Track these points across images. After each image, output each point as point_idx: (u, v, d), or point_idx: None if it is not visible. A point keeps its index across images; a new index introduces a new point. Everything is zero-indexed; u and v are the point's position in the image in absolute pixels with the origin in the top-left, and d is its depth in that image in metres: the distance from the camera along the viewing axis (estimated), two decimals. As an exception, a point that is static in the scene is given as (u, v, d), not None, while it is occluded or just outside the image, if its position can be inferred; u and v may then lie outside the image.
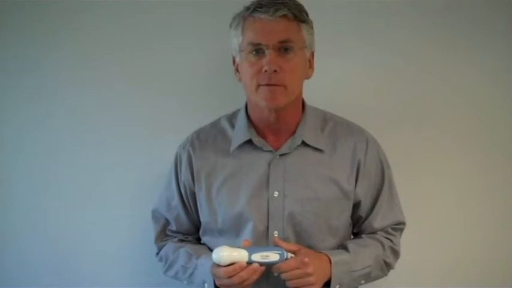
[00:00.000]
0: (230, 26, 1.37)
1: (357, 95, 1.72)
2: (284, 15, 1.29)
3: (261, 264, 1.25)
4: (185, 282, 1.42)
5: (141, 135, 1.73)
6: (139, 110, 1.73)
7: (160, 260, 1.50)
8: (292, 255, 1.27)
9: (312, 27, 1.36)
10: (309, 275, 1.24)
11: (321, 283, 1.28)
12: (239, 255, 1.25)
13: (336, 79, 1.70)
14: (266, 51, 1.28)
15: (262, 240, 1.35)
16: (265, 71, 1.28)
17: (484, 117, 1.72)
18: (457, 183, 1.74)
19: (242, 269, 1.22)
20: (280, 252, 1.26)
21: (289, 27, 1.30)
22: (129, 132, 1.73)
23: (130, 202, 1.74)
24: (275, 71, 1.28)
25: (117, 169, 1.74)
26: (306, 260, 1.24)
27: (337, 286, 1.31)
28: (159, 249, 1.51)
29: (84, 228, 1.75)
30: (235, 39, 1.35)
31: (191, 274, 1.39)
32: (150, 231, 1.55)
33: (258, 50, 1.30)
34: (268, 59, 1.28)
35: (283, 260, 1.26)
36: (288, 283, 1.27)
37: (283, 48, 1.29)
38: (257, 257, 1.25)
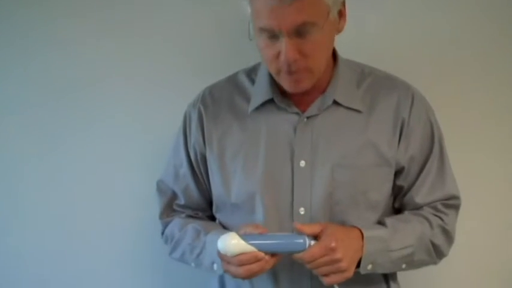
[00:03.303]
0: None
1: (397, 50, 1.58)
2: None
3: (276, 253, 1.15)
4: (193, 264, 1.31)
5: (145, 99, 1.63)
6: (144, 72, 1.62)
7: (166, 240, 1.39)
8: (315, 241, 1.14)
9: None
10: (338, 261, 1.12)
11: (354, 266, 1.15)
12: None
13: (374, 30, 1.57)
14: (280, 37, 1.11)
15: (285, 219, 1.22)
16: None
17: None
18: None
19: (257, 260, 1.12)
20: (301, 240, 1.13)
21: (304, 5, 1.09)
22: (133, 95, 1.63)
23: (133, 174, 1.64)
24: (295, 60, 1.12)
25: (119, 136, 1.64)
26: (333, 244, 1.12)
27: (370, 266, 1.18)
28: (165, 227, 1.39)
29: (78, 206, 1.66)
30: (247, 7, 1.18)
31: (199, 254, 1.28)
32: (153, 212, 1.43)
33: (271, 35, 1.13)
34: (285, 48, 1.11)
35: (304, 248, 1.13)
36: (315, 271, 1.15)
37: (301, 31, 1.11)
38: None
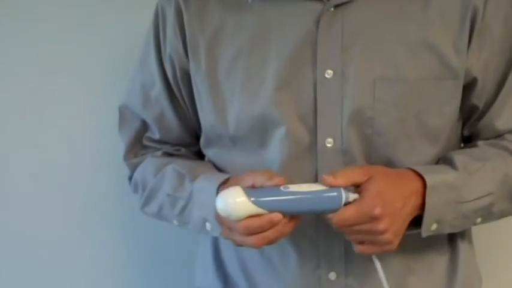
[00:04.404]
0: None
1: None
2: None
3: (300, 213, 0.91)
4: (175, 222, 1.07)
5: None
6: None
7: (135, 188, 1.14)
8: (356, 196, 0.89)
9: None
10: (380, 232, 0.89)
11: (400, 237, 0.92)
12: None
13: None
14: None
15: (307, 154, 0.97)
16: None
17: None
18: None
19: (273, 224, 0.88)
20: (334, 193, 0.87)
21: None
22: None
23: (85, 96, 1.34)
24: None
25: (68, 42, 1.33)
26: (377, 212, 0.88)
27: (434, 225, 0.93)
28: (133, 171, 1.14)
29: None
30: None
31: (183, 208, 1.04)
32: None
33: None
34: None
35: (339, 205, 0.88)
36: (350, 237, 0.93)
37: None
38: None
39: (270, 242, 0.89)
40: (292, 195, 0.87)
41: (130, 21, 1.30)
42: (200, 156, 1.13)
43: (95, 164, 1.36)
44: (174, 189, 1.04)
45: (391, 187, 0.90)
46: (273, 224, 0.86)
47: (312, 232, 0.97)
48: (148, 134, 1.12)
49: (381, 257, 0.93)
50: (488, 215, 0.97)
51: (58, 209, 1.38)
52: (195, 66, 1.02)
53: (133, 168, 1.13)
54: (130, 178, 1.14)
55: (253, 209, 0.86)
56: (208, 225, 0.97)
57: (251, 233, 0.88)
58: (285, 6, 0.97)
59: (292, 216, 0.88)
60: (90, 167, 1.37)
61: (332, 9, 0.95)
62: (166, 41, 1.05)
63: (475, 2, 0.95)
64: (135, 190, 1.13)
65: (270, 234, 0.87)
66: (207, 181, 0.97)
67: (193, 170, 1.04)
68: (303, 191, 0.87)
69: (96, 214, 1.40)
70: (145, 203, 1.09)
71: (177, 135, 1.11)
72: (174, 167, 1.06)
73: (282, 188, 0.87)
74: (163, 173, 1.06)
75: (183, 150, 1.13)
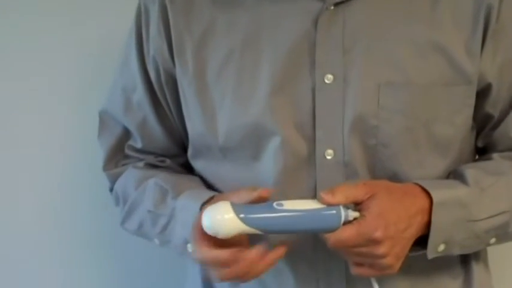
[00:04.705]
0: None
1: None
2: None
3: (294, 233, 0.86)
4: (156, 241, 1.01)
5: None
6: None
7: (117, 201, 1.07)
8: (356, 214, 0.84)
9: None
10: (380, 257, 0.84)
11: (402, 260, 0.87)
12: None
13: None
14: None
15: (302, 170, 0.92)
16: None
17: None
18: None
19: (261, 257, 0.82)
20: (332, 211, 0.82)
21: None
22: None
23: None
24: None
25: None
26: (377, 235, 0.82)
27: (442, 246, 0.87)
28: (113, 182, 1.08)
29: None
30: None
31: (165, 227, 0.98)
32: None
33: None
34: None
35: (338, 224, 0.82)
36: (347, 258, 0.89)
37: None
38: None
39: (259, 274, 0.83)
40: (285, 212, 0.80)
41: (115, 20, 1.22)
42: (188, 168, 1.06)
43: (76, 173, 1.29)
44: (155, 205, 0.98)
45: (395, 206, 0.84)
46: (260, 257, 0.81)
47: (310, 253, 0.90)
48: (130, 142, 1.07)
49: (386, 279, 0.87)
50: (504, 235, 0.90)
51: (34, 223, 1.30)
52: (182, 69, 0.96)
53: (113, 180, 1.06)
54: (111, 190, 1.08)
55: (242, 227, 0.80)
56: (189, 247, 0.91)
57: (234, 261, 0.81)
58: (280, 4, 0.91)
59: (278, 244, 0.82)
60: (71, 176, 1.30)
61: (332, 7, 0.89)
62: (150, 41, 0.99)
63: (489, 0, 0.89)
64: (117, 203, 1.06)
65: (259, 266, 0.82)
66: (190, 198, 0.91)
67: (177, 185, 0.97)
68: (298, 208, 0.81)
69: (73, 231, 1.33)
70: (126, 217, 1.03)
71: (162, 145, 1.05)
72: (156, 181, 0.99)
73: (275, 204, 0.81)
74: (145, 187, 1.00)
75: (168, 161, 1.06)
